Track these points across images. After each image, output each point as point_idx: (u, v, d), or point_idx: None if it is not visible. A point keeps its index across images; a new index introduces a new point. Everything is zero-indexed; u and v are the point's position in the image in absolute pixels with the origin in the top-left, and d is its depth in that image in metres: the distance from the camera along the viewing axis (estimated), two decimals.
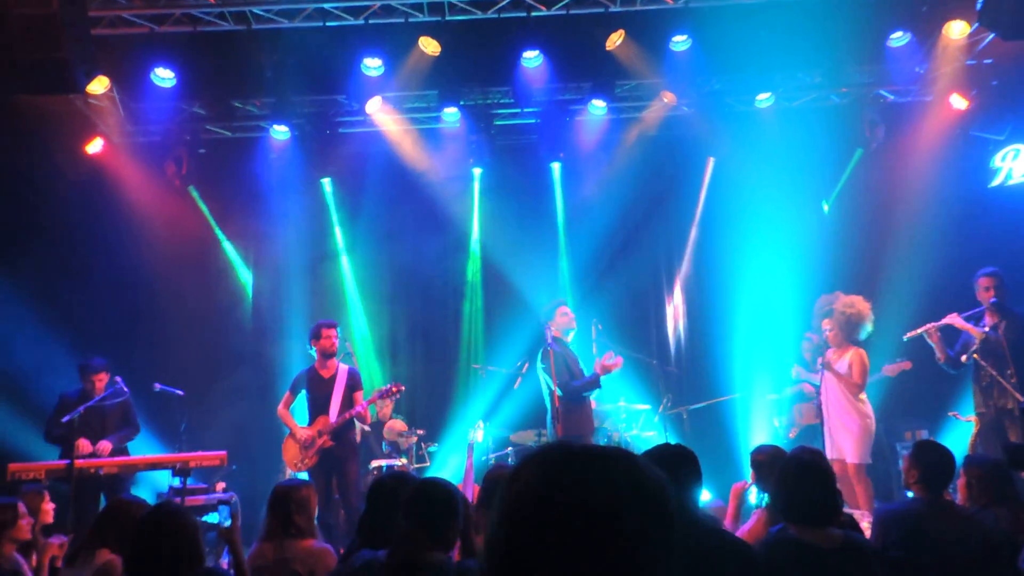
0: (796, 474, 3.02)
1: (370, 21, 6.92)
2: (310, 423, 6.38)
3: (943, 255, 7.36)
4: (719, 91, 7.90)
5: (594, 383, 6.30)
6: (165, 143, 7.81)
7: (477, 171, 8.61)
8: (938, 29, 7.03)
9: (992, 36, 6.91)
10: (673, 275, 8.91)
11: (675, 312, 8.86)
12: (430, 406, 8.46)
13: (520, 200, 8.72)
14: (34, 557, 4.24)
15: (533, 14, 6.96)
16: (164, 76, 7.25)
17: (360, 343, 8.65)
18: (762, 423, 7.73)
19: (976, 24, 6.72)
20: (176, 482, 5.73)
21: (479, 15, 6.93)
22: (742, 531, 3.73)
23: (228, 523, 3.61)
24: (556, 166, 8.69)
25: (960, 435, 6.25)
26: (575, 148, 8.29)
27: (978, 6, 6.38)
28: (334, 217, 8.84)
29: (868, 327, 6.45)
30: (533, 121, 8.29)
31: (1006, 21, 6.09)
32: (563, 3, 6.92)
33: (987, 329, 6.13)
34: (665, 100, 7.99)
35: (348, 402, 6.37)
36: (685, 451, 2.95)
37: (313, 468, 6.24)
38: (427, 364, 8.74)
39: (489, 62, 7.53)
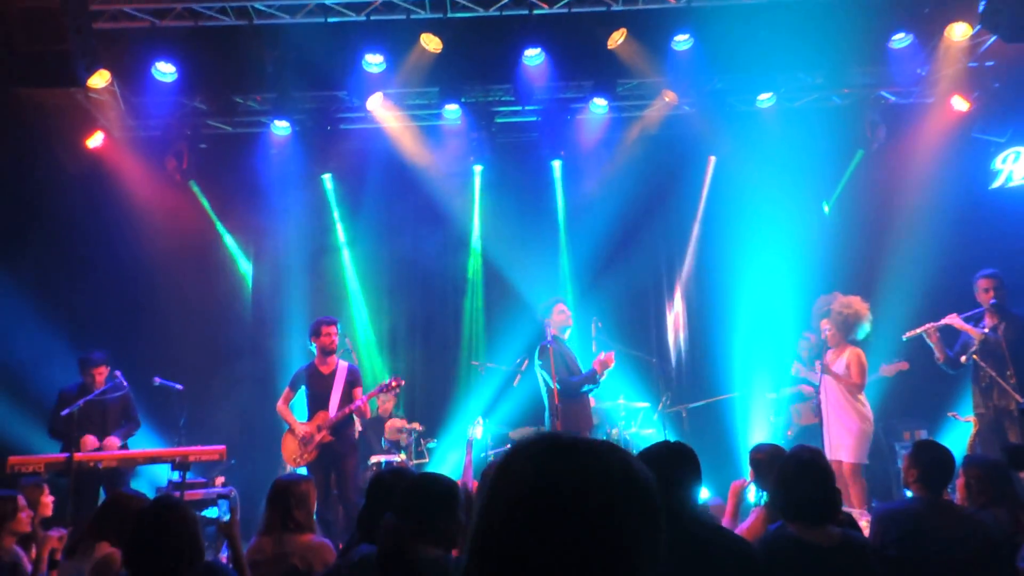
0: (795, 472, 3.03)
1: (372, 17, 6.91)
2: (309, 419, 6.39)
3: (943, 256, 7.35)
4: (720, 91, 7.89)
5: (591, 379, 6.31)
6: (166, 138, 7.82)
7: (478, 168, 8.61)
8: (940, 31, 7.03)
9: (994, 38, 6.92)
10: (673, 274, 8.92)
11: (675, 311, 8.87)
12: (430, 402, 8.47)
13: (521, 198, 8.72)
14: (33, 550, 4.24)
15: (535, 12, 6.96)
16: (165, 70, 7.24)
17: (360, 338, 8.66)
18: (761, 421, 7.74)
19: (978, 26, 6.73)
20: (175, 476, 5.73)
21: (481, 12, 6.92)
22: (741, 529, 3.74)
23: (227, 517, 3.61)
24: (557, 164, 8.71)
25: (959, 435, 6.25)
26: (576, 146, 8.29)
27: (980, 8, 6.39)
28: (335, 212, 8.83)
29: (866, 327, 6.46)
30: (534, 119, 8.29)
31: (1008, 23, 6.10)
32: (565, 1, 6.91)
33: (987, 330, 6.14)
34: (666, 99, 7.98)
35: (347, 398, 6.37)
36: (684, 449, 2.94)
37: (312, 464, 6.24)
38: (427, 360, 8.75)
39: (490, 59, 7.51)
